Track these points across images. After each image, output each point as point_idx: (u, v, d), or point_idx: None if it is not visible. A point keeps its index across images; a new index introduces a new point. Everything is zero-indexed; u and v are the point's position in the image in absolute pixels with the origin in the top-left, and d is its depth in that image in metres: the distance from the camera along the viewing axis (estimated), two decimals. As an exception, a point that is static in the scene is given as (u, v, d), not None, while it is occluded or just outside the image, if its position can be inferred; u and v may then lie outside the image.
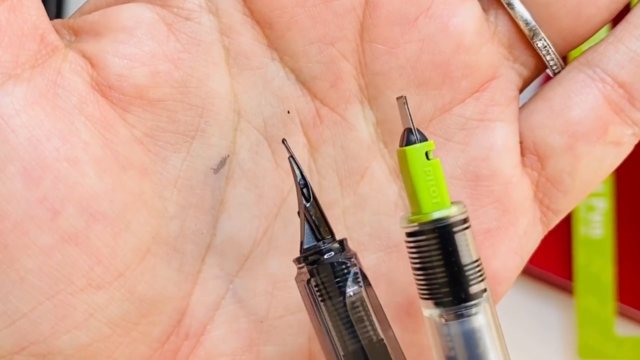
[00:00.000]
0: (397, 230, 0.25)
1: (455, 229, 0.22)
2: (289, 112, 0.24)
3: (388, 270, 0.25)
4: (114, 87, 0.23)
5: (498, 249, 0.25)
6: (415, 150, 0.22)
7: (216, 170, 0.24)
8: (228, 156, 0.24)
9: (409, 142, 0.22)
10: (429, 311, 0.22)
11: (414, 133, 0.22)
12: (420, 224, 0.22)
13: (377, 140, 0.25)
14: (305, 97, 0.24)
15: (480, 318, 0.22)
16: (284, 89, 0.24)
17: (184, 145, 0.23)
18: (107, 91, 0.23)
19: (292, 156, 0.22)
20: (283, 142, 0.23)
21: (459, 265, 0.22)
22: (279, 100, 0.24)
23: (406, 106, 0.22)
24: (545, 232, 0.26)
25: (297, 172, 0.22)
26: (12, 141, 0.21)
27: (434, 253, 0.22)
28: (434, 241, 0.22)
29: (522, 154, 0.25)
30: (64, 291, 0.22)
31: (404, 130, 0.22)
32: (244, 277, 0.25)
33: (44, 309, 0.22)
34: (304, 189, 0.22)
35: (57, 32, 0.23)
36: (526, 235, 0.25)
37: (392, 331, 0.23)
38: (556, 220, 0.26)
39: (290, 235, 0.25)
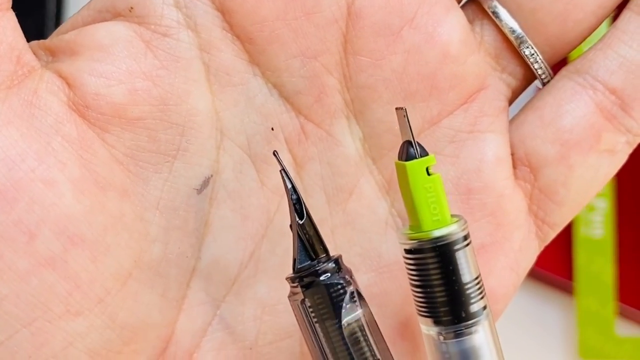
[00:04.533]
0: (388, 249, 0.24)
1: (455, 247, 0.21)
2: (272, 129, 0.24)
3: (380, 291, 0.24)
4: (91, 107, 0.22)
5: (493, 265, 0.24)
6: (416, 166, 0.21)
7: (199, 191, 0.23)
8: (211, 176, 0.23)
9: (409, 156, 0.21)
10: (427, 328, 0.22)
11: (415, 147, 0.21)
12: (420, 242, 0.21)
13: (365, 155, 0.24)
14: (289, 113, 0.24)
15: (479, 336, 0.21)
16: (267, 105, 0.23)
17: (166, 165, 0.23)
18: (84, 111, 0.22)
19: (283, 169, 0.22)
20: (274, 154, 0.22)
21: (459, 285, 0.21)
22: (263, 117, 0.24)
23: (406, 118, 0.21)
24: (542, 248, 0.25)
25: (289, 186, 0.22)
26: None
27: (433, 272, 0.21)
28: (433, 260, 0.21)
29: (514, 166, 0.25)
30: (41, 318, 0.21)
31: (404, 142, 0.22)
32: (232, 302, 0.24)
33: (21, 337, 0.21)
34: (297, 205, 0.21)
35: (34, 53, 0.23)
36: (522, 251, 0.25)
37: (389, 352, 0.22)
38: (552, 234, 0.25)
39: (279, 257, 0.24)
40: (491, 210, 0.24)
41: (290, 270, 0.24)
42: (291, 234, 0.24)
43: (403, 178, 0.21)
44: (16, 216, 0.20)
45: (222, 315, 0.24)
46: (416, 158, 0.21)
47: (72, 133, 0.22)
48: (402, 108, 0.22)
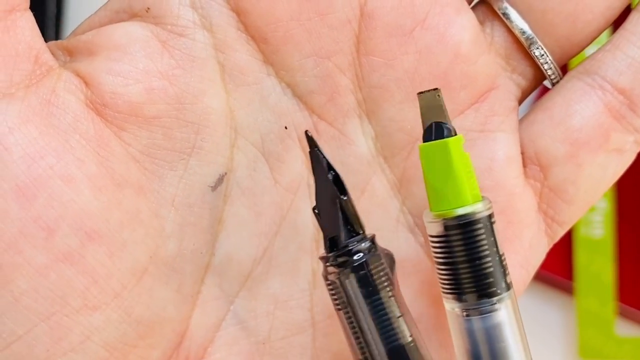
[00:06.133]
0: (399, 247, 0.25)
1: (493, 220, 0.22)
2: (286, 127, 0.24)
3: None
4: (109, 105, 0.22)
5: (503, 262, 0.25)
6: (457, 142, 0.22)
7: (214, 188, 0.24)
8: (225, 174, 0.24)
9: (447, 134, 0.22)
10: (451, 305, 0.22)
11: (450, 126, 0.22)
12: (460, 217, 0.22)
13: (377, 154, 0.24)
14: (303, 112, 0.24)
15: (504, 312, 0.22)
16: (281, 105, 0.24)
17: (181, 163, 0.23)
18: (102, 109, 0.22)
19: (317, 148, 0.22)
20: (306, 133, 0.22)
21: (499, 257, 0.22)
22: (276, 116, 0.24)
23: (441, 98, 0.22)
24: (551, 245, 0.26)
25: (325, 163, 0.22)
26: (5, 159, 0.21)
27: (473, 245, 0.22)
28: (475, 233, 0.22)
29: (524, 165, 0.25)
30: (59, 312, 0.21)
31: (431, 124, 0.22)
32: (245, 297, 0.24)
33: (39, 331, 0.21)
34: (336, 182, 0.22)
35: (52, 53, 0.23)
36: (531, 248, 0.25)
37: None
38: (562, 232, 0.25)
39: (291, 253, 0.24)
40: (501, 209, 0.24)
41: (303, 266, 0.24)
42: (303, 230, 0.24)
43: (442, 157, 0.22)
44: (35, 212, 0.21)
45: (236, 311, 0.24)
46: (452, 136, 0.22)
47: (89, 131, 0.22)
48: (435, 89, 0.22)
